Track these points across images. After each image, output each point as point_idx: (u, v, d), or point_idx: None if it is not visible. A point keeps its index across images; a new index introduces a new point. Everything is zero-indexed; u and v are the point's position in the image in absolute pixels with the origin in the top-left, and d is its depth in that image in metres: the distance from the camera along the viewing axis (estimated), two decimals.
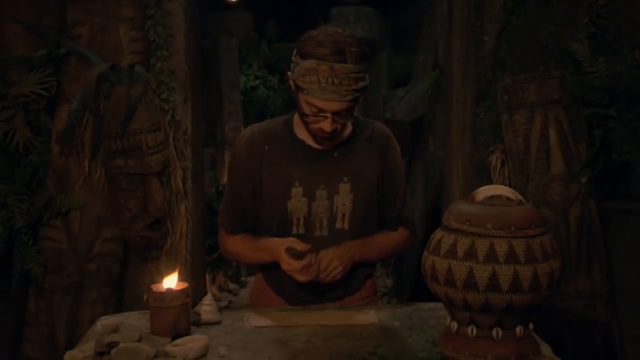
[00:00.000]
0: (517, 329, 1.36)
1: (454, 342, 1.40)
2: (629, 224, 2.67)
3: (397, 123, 4.89)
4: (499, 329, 1.35)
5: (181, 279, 1.65)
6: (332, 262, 1.82)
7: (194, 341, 1.51)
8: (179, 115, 2.84)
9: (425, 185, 4.62)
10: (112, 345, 1.45)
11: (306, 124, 1.82)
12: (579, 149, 2.65)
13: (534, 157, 2.67)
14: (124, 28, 2.75)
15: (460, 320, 1.39)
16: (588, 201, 2.64)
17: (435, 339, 1.55)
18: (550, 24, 2.70)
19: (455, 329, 1.40)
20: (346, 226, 1.90)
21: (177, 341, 1.51)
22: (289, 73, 1.79)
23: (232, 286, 5.59)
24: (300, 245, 1.79)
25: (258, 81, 7.55)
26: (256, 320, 1.73)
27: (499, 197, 1.42)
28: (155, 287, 1.61)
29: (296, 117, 1.91)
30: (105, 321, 1.71)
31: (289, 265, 1.79)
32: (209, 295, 1.77)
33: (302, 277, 1.80)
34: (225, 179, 2.50)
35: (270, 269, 1.92)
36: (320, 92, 1.71)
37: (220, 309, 1.75)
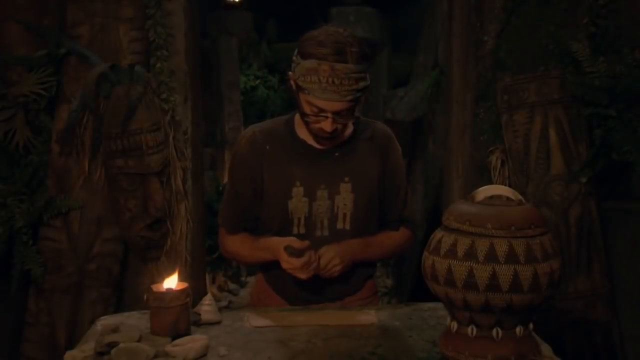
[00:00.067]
0: (517, 329, 1.36)
1: (454, 342, 1.40)
2: (629, 224, 2.67)
3: (397, 123, 4.88)
4: (499, 329, 1.35)
5: (181, 279, 1.65)
6: (332, 259, 1.82)
7: (194, 341, 1.51)
8: (179, 115, 2.84)
9: (425, 185, 4.61)
10: (112, 345, 1.45)
11: (307, 124, 1.82)
12: (579, 149, 2.65)
13: (534, 157, 2.67)
14: (124, 28, 2.75)
15: (460, 320, 1.39)
16: (588, 201, 2.64)
17: (435, 339, 1.55)
18: (550, 24, 2.70)
19: (455, 329, 1.40)
20: (347, 226, 1.90)
21: (177, 341, 1.51)
22: (290, 73, 1.79)
23: (232, 286, 5.59)
24: (298, 243, 1.79)
25: (258, 81, 7.55)
26: (256, 320, 1.73)
27: (499, 197, 1.42)
28: (155, 287, 1.61)
29: (297, 117, 1.91)
30: (105, 321, 1.71)
31: (289, 263, 1.79)
32: (209, 295, 1.77)
33: (302, 275, 1.80)
34: (225, 179, 2.50)
35: (271, 269, 1.92)
36: (321, 92, 1.71)
37: (220, 309, 1.75)
